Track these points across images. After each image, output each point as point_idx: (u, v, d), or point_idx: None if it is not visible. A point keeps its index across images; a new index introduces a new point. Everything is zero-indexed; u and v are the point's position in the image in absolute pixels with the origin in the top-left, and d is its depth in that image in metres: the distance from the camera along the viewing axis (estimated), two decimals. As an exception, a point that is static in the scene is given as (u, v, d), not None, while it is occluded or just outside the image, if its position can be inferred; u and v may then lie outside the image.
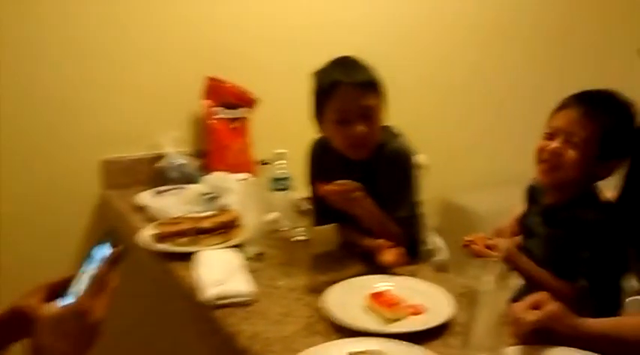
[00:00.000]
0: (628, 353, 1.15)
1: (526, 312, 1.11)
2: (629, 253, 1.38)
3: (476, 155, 2.79)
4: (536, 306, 1.12)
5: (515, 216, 1.63)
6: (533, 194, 1.58)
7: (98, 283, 0.83)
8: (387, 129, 1.67)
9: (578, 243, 1.40)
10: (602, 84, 1.48)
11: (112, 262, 0.85)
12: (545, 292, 1.16)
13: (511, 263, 1.42)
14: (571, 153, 1.39)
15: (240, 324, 1.26)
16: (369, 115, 1.57)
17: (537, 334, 1.11)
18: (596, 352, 1.09)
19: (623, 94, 1.45)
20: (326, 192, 1.49)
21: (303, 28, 2.39)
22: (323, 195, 1.50)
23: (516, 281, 1.48)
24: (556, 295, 1.17)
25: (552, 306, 1.11)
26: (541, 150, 1.44)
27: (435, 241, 1.84)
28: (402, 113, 1.71)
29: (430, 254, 1.80)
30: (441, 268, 1.80)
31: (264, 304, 1.34)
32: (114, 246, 0.87)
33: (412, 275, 1.47)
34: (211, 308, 1.32)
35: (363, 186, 1.53)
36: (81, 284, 0.85)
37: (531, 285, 1.43)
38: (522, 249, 1.51)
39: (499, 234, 1.63)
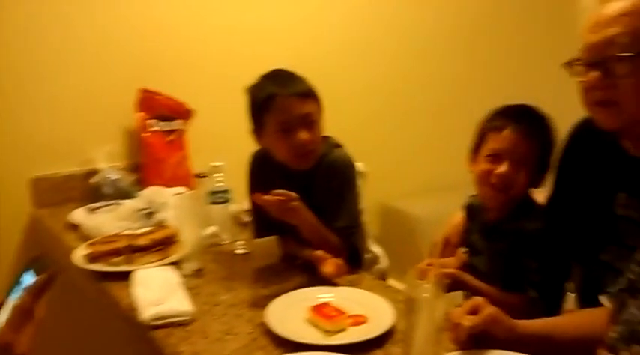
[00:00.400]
0: (562, 352, 1.19)
1: (464, 317, 1.13)
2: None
3: (414, 162, 2.83)
4: (473, 311, 1.14)
5: (456, 224, 1.65)
6: (471, 211, 1.59)
7: (21, 314, 0.79)
8: (326, 140, 1.68)
9: (524, 254, 1.42)
10: (535, 94, 1.52)
11: (35, 291, 0.81)
12: (481, 297, 1.18)
13: (459, 283, 1.43)
14: (521, 175, 1.42)
15: (179, 344, 1.23)
16: (310, 123, 1.58)
17: (475, 338, 1.13)
18: (532, 353, 1.11)
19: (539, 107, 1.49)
20: (263, 202, 1.48)
21: (238, 39, 2.38)
22: (261, 206, 1.49)
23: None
24: (506, 309, 1.19)
25: (489, 310, 1.13)
26: (487, 174, 1.43)
27: (375, 249, 1.85)
28: (339, 122, 1.72)
29: (371, 262, 1.81)
30: (382, 276, 1.81)
31: (204, 322, 1.31)
32: (38, 273, 0.83)
33: (353, 285, 1.47)
34: (150, 328, 1.29)
35: (303, 196, 1.53)
36: (3, 315, 0.81)
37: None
38: (468, 266, 1.52)
39: (447, 244, 1.64)
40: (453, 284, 1.39)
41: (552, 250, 1.42)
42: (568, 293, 1.50)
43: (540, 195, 1.50)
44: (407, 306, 1.13)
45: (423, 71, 2.80)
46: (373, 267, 1.81)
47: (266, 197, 1.47)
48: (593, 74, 1.18)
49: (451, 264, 1.48)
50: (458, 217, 1.65)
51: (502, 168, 1.42)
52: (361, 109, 2.64)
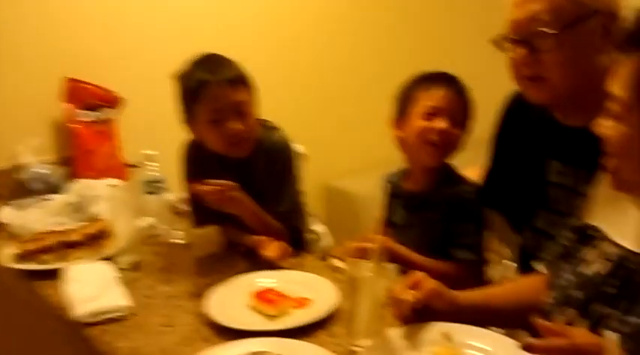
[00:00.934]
0: (501, 321, 1.21)
1: (405, 293, 1.13)
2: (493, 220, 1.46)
3: (353, 140, 2.83)
4: (414, 286, 1.14)
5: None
6: (390, 190, 1.58)
7: None
8: (263, 124, 1.64)
9: (460, 218, 1.42)
10: (465, 67, 1.53)
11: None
12: (422, 272, 1.18)
13: (390, 255, 1.41)
14: (457, 132, 1.43)
15: (117, 341, 1.18)
16: (243, 111, 1.52)
17: (418, 313, 1.13)
18: (474, 324, 1.13)
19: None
20: (201, 192, 1.43)
21: (167, 24, 2.30)
22: (198, 196, 1.45)
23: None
24: (442, 277, 1.19)
25: (431, 284, 1.13)
26: (426, 131, 1.41)
27: (318, 229, 1.84)
28: (273, 104, 1.69)
29: (314, 242, 1.79)
30: (326, 255, 1.80)
31: (142, 316, 1.27)
32: None
33: (297, 267, 1.45)
34: (85, 326, 1.24)
35: (242, 183, 1.50)
36: None
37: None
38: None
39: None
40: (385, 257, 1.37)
41: (482, 214, 1.45)
42: (509, 262, 1.54)
43: (468, 170, 1.52)
44: (349, 285, 1.13)
45: (353, 48, 2.78)
46: (316, 246, 1.79)
47: (203, 187, 1.42)
48: (520, 51, 1.19)
49: (382, 238, 1.45)
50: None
51: (442, 123, 1.41)
52: (296, 91, 2.61)
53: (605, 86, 0.99)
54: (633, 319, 0.92)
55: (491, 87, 1.44)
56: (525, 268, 1.37)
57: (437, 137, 1.41)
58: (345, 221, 2.81)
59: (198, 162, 1.64)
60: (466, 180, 1.49)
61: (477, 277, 1.44)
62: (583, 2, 1.15)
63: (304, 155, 1.87)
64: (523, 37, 1.19)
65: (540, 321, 0.90)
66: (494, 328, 1.16)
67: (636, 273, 0.95)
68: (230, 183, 1.45)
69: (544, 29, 1.15)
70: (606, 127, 0.95)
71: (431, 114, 1.42)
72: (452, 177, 1.48)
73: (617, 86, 0.91)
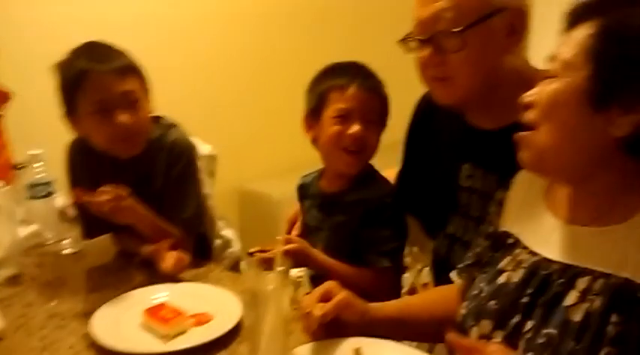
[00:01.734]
0: (416, 333, 1.15)
1: (314, 306, 1.04)
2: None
3: (268, 141, 2.75)
4: (324, 297, 1.06)
5: (293, 216, 1.56)
6: (304, 190, 1.50)
7: None
8: (159, 121, 1.51)
9: (375, 222, 1.34)
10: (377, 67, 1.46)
11: None
12: (333, 281, 1.10)
13: (304, 259, 1.31)
14: (372, 134, 1.34)
15: (-18, 370, 1.02)
16: (132, 102, 1.38)
17: (328, 326, 1.05)
18: (387, 336, 1.06)
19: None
20: (89, 203, 1.28)
21: (54, 13, 2.13)
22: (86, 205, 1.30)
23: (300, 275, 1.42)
24: (357, 285, 1.13)
25: (341, 295, 1.06)
26: (338, 137, 1.33)
27: (226, 233, 1.72)
28: (183, 103, 1.57)
29: (222, 248, 1.68)
30: (235, 264, 1.69)
31: (16, 339, 1.12)
32: None
33: (200, 278, 1.34)
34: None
35: (138, 187, 1.37)
36: None
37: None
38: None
39: (294, 223, 1.54)
40: (297, 261, 1.27)
41: (401, 218, 1.38)
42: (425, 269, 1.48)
43: (389, 172, 1.45)
44: (251, 300, 1.02)
45: (267, 45, 2.71)
46: (225, 253, 1.67)
47: (90, 197, 1.29)
48: (426, 51, 1.15)
49: (295, 240, 1.34)
50: (295, 208, 1.55)
51: (354, 128, 1.32)
52: (207, 89, 2.51)
53: (515, 87, 0.96)
54: (548, 329, 0.88)
55: (412, 85, 1.37)
56: (440, 275, 1.32)
57: (351, 143, 1.33)
58: (260, 225, 2.72)
59: (85, 163, 1.49)
60: (385, 182, 1.41)
61: (393, 285, 1.37)
62: (487, 0, 1.10)
63: (214, 156, 1.76)
64: (428, 37, 1.14)
65: (453, 337, 0.85)
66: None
67: (551, 281, 0.91)
68: (120, 190, 1.32)
69: (448, 28, 1.10)
70: (531, 93, 0.90)
71: (343, 117, 1.33)
72: (370, 178, 1.39)
73: (564, 49, 0.88)
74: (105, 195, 1.29)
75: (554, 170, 0.92)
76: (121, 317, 1.15)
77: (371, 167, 1.41)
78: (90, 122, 1.38)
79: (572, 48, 0.87)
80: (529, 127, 0.91)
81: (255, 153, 2.71)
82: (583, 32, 0.86)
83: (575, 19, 0.89)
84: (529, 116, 0.91)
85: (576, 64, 0.86)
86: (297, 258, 1.27)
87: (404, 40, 1.18)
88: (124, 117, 1.36)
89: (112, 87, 1.35)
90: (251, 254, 1.31)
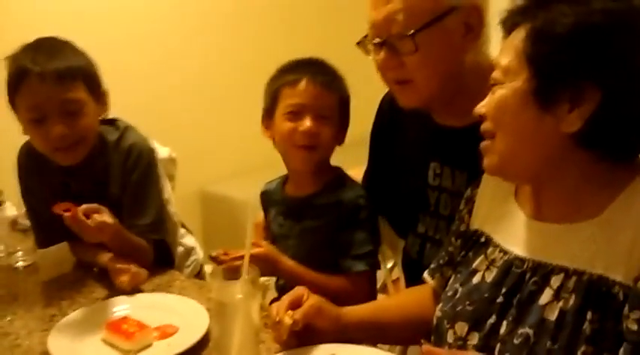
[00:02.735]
0: (390, 337, 1.13)
1: (284, 314, 1.01)
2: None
3: (231, 142, 2.70)
4: (295, 304, 1.03)
5: (258, 223, 1.51)
6: (268, 197, 1.45)
7: None
8: (115, 123, 1.44)
9: (350, 227, 1.30)
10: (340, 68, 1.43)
11: None
12: (302, 287, 1.06)
13: (273, 266, 1.26)
14: (325, 130, 1.29)
15: None
16: (73, 111, 1.30)
17: (301, 334, 1.02)
18: (361, 341, 1.04)
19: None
20: (71, 222, 1.22)
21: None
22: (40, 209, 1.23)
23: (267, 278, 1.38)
24: (330, 292, 1.10)
25: (311, 301, 1.03)
26: (292, 134, 1.29)
27: (188, 241, 1.66)
28: (140, 106, 1.51)
29: (185, 256, 1.62)
30: (199, 269, 1.64)
31: (-37, 362, 1.05)
32: None
33: (163, 288, 1.29)
34: None
35: (92, 195, 1.32)
36: None
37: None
38: None
39: (259, 228, 1.50)
40: (265, 269, 1.22)
41: (376, 218, 1.34)
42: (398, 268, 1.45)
43: (353, 171, 1.42)
44: (218, 310, 0.98)
45: (228, 44, 2.66)
46: (187, 261, 1.62)
47: (60, 210, 1.21)
48: (382, 54, 1.13)
49: (264, 244, 1.28)
50: (260, 216, 1.51)
51: (306, 123, 1.28)
52: (164, 90, 2.45)
53: (478, 83, 0.96)
54: (524, 329, 0.87)
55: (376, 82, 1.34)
56: (412, 275, 1.30)
57: (303, 139, 1.28)
58: (224, 228, 2.67)
59: (36, 169, 1.41)
60: (356, 184, 1.37)
61: (369, 290, 1.33)
62: (439, 0, 1.09)
63: (173, 159, 1.70)
64: (383, 40, 1.12)
65: (427, 349, 0.84)
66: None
67: (524, 280, 0.90)
68: (96, 206, 1.25)
69: (401, 31, 1.08)
70: (482, 105, 0.92)
71: (295, 113, 1.29)
72: (340, 180, 1.35)
73: (502, 56, 0.89)
74: (92, 223, 1.22)
75: (517, 174, 0.93)
76: (80, 333, 1.09)
77: (340, 170, 1.38)
78: (27, 127, 1.31)
79: (510, 54, 0.88)
80: (488, 136, 0.92)
81: (215, 155, 2.66)
82: (517, 37, 0.87)
83: (509, 25, 0.91)
84: (484, 127, 0.92)
85: (516, 69, 0.87)
86: (265, 265, 1.21)
87: (362, 42, 1.17)
88: (58, 129, 1.28)
89: (50, 93, 1.27)
90: (213, 258, 1.25)
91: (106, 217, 1.25)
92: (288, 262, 1.28)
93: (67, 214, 1.21)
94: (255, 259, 1.19)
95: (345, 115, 1.35)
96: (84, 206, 1.24)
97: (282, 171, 1.47)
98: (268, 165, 1.51)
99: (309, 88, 1.28)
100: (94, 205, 1.26)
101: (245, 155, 2.71)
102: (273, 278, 1.49)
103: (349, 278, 1.28)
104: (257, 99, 1.41)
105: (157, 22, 2.45)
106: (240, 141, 2.70)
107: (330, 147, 1.33)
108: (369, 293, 1.31)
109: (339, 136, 1.35)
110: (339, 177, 1.37)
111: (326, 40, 2.88)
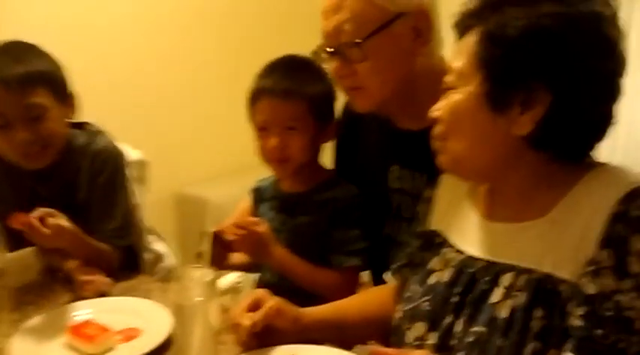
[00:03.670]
0: (351, 337, 1.14)
1: (243, 316, 1.02)
2: None
3: (205, 144, 2.68)
4: (254, 306, 1.04)
5: (245, 208, 1.52)
6: (260, 194, 1.45)
7: None
8: (84, 127, 1.44)
9: (343, 224, 1.31)
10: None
11: None
12: (262, 290, 1.08)
13: (264, 249, 1.25)
14: (294, 139, 1.29)
15: None
16: (36, 117, 1.30)
17: (262, 335, 1.03)
18: (321, 341, 1.05)
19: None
20: (25, 228, 1.21)
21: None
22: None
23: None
24: (318, 284, 1.12)
25: (270, 303, 1.04)
26: (263, 150, 1.32)
27: (158, 247, 1.66)
28: (112, 109, 1.50)
29: (154, 263, 1.62)
30: (167, 276, 1.63)
31: None
32: None
33: (128, 291, 1.29)
34: None
35: (59, 199, 1.31)
36: None
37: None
38: None
39: (245, 214, 1.50)
40: (256, 253, 1.25)
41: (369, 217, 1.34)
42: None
43: None
44: (177, 313, 0.99)
45: (206, 44, 2.64)
46: (157, 267, 1.62)
47: (16, 223, 1.20)
48: (334, 62, 1.16)
49: (263, 223, 1.28)
50: (247, 201, 1.52)
51: (270, 142, 1.30)
52: (135, 92, 2.41)
53: (432, 86, 0.97)
54: (477, 327, 0.88)
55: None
56: (378, 277, 1.33)
57: (272, 155, 1.31)
58: (200, 230, 2.65)
59: (2, 172, 1.40)
60: (350, 184, 1.37)
61: (356, 286, 1.35)
62: (384, 7, 1.11)
63: (144, 162, 1.70)
64: (334, 49, 1.14)
65: (375, 350, 0.86)
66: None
67: (477, 279, 0.92)
68: (49, 211, 1.24)
69: (350, 40, 1.11)
70: (437, 108, 0.93)
71: (263, 129, 1.31)
72: (335, 178, 1.37)
73: (455, 59, 0.91)
74: (46, 229, 1.21)
75: (470, 173, 0.95)
76: (43, 338, 1.09)
77: (333, 171, 1.40)
78: None
79: (462, 57, 0.89)
80: (440, 139, 0.94)
81: (189, 157, 2.63)
82: (469, 40, 0.89)
83: (461, 29, 0.92)
84: (437, 130, 0.94)
85: (468, 72, 0.89)
86: (257, 248, 1.23)
87: (316, 51, 1.19)
88: (22, 135, 1.28)
89: (12, 99, 1.27)
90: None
91: (60, 221, 1.24)
92: (280, 249, 1.28)
93: (21, 224, 1.21)
94: (248, 239, 1.22)
95: (324, 112, 1.33)
96: (37, 211, 1.23)
97: (259, 173, 1.48)
98: (244, 168, 1.51)
99: (270, 103, 1.29)
100: (48, 209, 1.25)
101: (221, 157, 2.70)
102: (250, 278, 1.50)
103: (340, 273, 1.30)
104: (232, 100, 1.41)
105: (129, 25, 2.43)
106: (215, 143, 2.70)
107: (307, 151, 1.33)
108: (355, 289, 1.32)
109: (322, 135, 1.34)
110: (335, 175, 1.39)
111: (297, 41, 2.90)
